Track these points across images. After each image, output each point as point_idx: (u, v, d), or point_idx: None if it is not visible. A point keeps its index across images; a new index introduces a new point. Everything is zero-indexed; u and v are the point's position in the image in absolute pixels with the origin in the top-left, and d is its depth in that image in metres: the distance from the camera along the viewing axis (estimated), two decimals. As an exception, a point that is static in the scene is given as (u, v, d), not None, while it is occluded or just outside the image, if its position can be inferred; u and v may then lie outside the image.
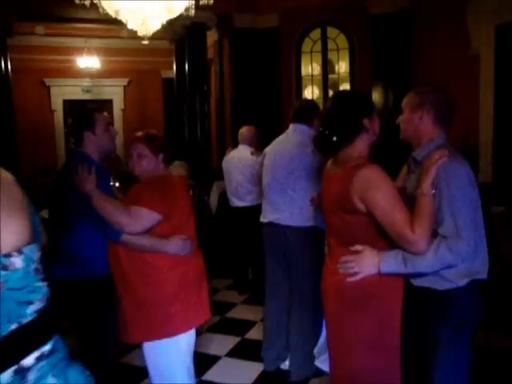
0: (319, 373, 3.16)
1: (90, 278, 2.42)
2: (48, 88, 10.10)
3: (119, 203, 2.33)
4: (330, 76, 7.48)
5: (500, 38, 5.25)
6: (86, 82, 10.17)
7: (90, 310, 2.46)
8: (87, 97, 10.34)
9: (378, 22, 6.67)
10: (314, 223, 3.03)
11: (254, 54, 7.35)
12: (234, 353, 3.77)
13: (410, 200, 1.94)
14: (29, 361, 1.11)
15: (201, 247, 2.61)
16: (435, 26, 6.05)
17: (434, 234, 1.88)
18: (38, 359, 1.12)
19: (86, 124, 2.58)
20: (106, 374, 2.56)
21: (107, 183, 2.59)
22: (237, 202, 4.99)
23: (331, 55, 7.41)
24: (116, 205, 2.30)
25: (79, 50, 9.60)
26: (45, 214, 4.79)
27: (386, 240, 1.93)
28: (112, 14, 3.64)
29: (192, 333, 2.47)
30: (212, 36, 7.71)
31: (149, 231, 2.33)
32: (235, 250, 5.21)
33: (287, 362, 3.34)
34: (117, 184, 6.34)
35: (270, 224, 3.23)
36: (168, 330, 2.33)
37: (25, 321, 1.11)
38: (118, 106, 10.69)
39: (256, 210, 4.50)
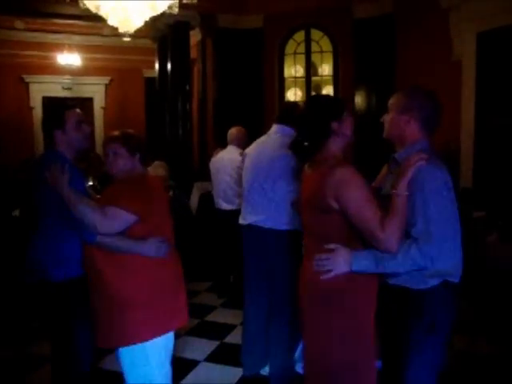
0: (300, 378, 3.12)
1: (63, 278, 2.37)
2: (27, 84, 9.90)
3: (93, 203, 2.27)
4: (313, 78, 7.47)
5: (481, 46, 5.30)
6: (67, 80, 10.01)
7: (63, 311, 2.42)
8: (67, 94, 10.17)
9: (362, 25, 6.71)
10: (295, 226, 3.00)
11: (237, 55, 7.32)
12: (213, 357, 3.70)
13: (385, 199, 1.97)
14: None
15: (180, 249, 2.55)
16: (419, 31, 6.09)
17: (407, 235, 1.91)
18: None
19: (56, 123, 2.51)
20: (80, 380, 2.52)
21: (81, 182, 2.54)
22: (224, 205, 4.87)
23: (315, 57, 7.41)
24: (90, 205, 2.23)
25: (60, 47, 9.43)
26: (17, 212, 4.72)
27: (360, 239, 1.98)
28: (93, 9, 3.55)
29: (170, 336, 2.41)
30: (195, 36, 7.65)
31: (124, 232, 2.27)
32: (217, 252, 5.14)
33: (267, 368, 3.29)
34: (96, 183, 6.26)
35: (250, 226, 3.17)
36: (144, 334, 2.27)
37: None
38: (98, 104, 10.55)
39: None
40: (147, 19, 3.69)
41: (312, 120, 2.10)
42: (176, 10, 3.67)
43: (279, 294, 3.09)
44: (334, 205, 1.95)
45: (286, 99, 7.50)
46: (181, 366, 3.44)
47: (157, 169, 4.58)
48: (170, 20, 6.75)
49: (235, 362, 3.45)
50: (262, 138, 3.28)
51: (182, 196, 5.47)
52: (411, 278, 1.96)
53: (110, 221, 2.21)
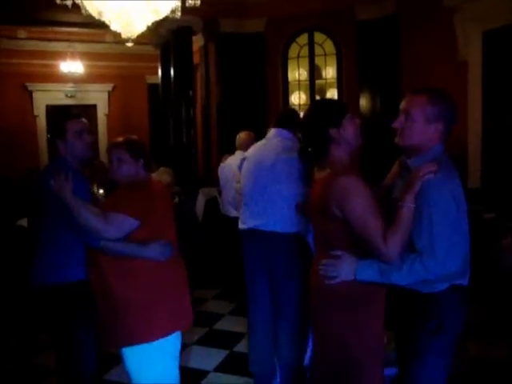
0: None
1: (67, 282, 2.43)
2: (30, 93, 9.92)
3: (96, 209, 2.30)
4: (317, 81, 7.43)
5: (487, 45, 5.25)
6: (70, 87, 10.03)
7: (66, 314, 2.47)
8: (71, 102, 10.19)
9: (366, 27, 6.66)
10: (298, 229, 2.96)
11: (240, 59, 7.29)
12: (222, 367, 3.64)
13: (394, 204, 1.95)
14: None
15: (186, 255, 2.55)
16: (423, 32, 6.04)
17: (412, 247, 1.90)
18: None
19: (57, 132, 2.59)
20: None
21: (85, 189, 2.57)
22: (234, 212, 4.79)
23: (318, 61, 7.37)
24: (92, 211, 2.26)
25: (62, 55, 9.46)
26: (25, 222, 4.68)
27: (364, 247, 1.96)
28: (95, 15, 3.52)
29: (176, 338, 2.42)
30: (198, 41, 7.63)
31: (127, 237, 2.29)
32: (225, 259, 5.08)
33: (278, 379, 3.22)
34: (101, 191, 6.23)
35: (252, 230, 3.10)
36: (148, 335, 2.29)
37: None
38: (102, 111, 10.57)
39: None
40: (150, 24, 3.66)
41: (310, 128, 2.11)
42: (179, 14, 3.64)
43: (284, 297, 3.03)
44: (338, 213, 1.94)
45: (290, 103, 7.47)
46: (190, 377, 3.37)
47: (162, 175, 4.54)
48: (173, 25, 6.73)
49: (245, 372, 3.38)
50: (262, 142, 3.25)
51: (188, 202, 5.43)
52: (418, 282, 1.94)
53: (111, 226, 2.24)
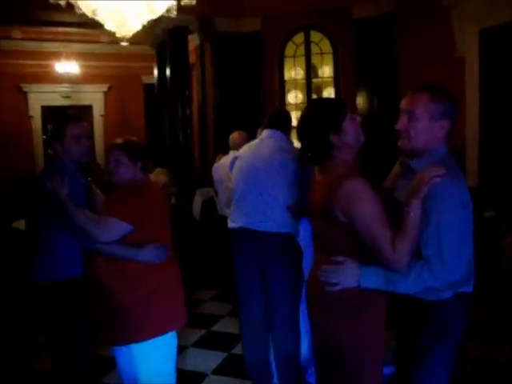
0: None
1: (64, 279, 2.49)
2: (25, 94, 9.86)
3: (90, 213, 2.36)
4: (314, 80, 7.39)
5: (484, 43, 5.23)
6: (65, 88, 9.97)
7: (63, 311, 2.53)
8: (66, 102, 10.14)
9: (362, 26, 6.64)
10: (290, 229, 2.94)
11: (236, 59, 7.25)
12: (220, 370, 3.61)
13: (396, 205, 1.90)
14: None
15: (182, 256, 2.60)
16: (420, 30, 6.01)
17: (419, 254, 1.83)
18: None
19: (55, 134, 2.63)
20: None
21: (82, 192, 2.62)
22: (228, 212, 4.78)
23: (315, 59, 7.33)
24: (87, 215, 2.33)
25: (57, 55, 9.41)
26: (21, 224, 4.64)
27: (368, 253, 1.88)
28: (89, 14, 3.48)
29: (171, 338, 2.45)
30: (193, 41, 7.59)
31: (123, 239, 2.34)
32: (222, 259, 5.04)
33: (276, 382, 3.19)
34: (97, 191, 6.17)
35: (242, 229, 3.07)
36: (142, 334, 2.33)
37: None
38: (98, 111, 10.52)
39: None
40: (145, 22, 3.62)
41: (308, 134, 2.01)
42: (174, 13, 3.60)
43: (276, 296, 3.01)
44: (342, 218, 1.86)
45: (286, 102, 7.43)
46: (187, 380, 3.35)
47: (159, 176, 4.51)
48: (168, 25, 6.69)
49: (244, 375, 3.35)
50: (255, 142, 3.24)
51: (185, 203, 5.39)
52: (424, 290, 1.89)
53: (105, 230, 2.29)
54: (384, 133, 5.49)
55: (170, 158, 6.97)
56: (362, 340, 1.94)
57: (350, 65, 6.89)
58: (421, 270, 1.80)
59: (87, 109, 10.36)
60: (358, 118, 2.03)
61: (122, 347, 2.42)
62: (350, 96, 6.78)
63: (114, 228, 2.30)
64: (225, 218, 4.78)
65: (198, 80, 7.83)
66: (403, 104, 1.95)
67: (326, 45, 7.18)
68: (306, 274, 2.24)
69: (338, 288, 1.90)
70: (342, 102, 2.10)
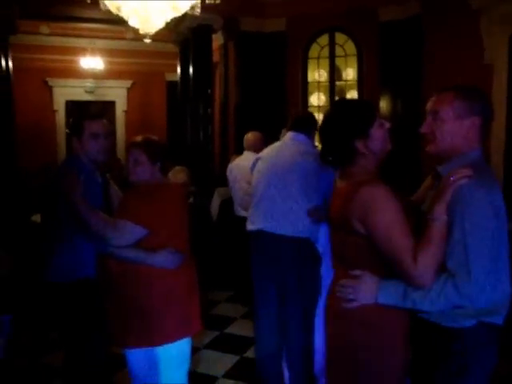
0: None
1: (77, 280, 2.44)
2: (50, 88, 10.00)
3: (105, 215, 2.29)
4: (337, 83, 7.32)
5: (514, 49, 5.10)
6: (89, 83, 10.07)
7: (76, 312, 2.48)
8: (90, 98, 10.25)
9: (388, 28, 6.54)
10: (309, 234, 2.88)
11: (259, 59, 7.22)
12: (232, 373, 3.57)
13: (422, 220, 1.73)
14: None
15: (199, 257, 2.53)
16: (447, 34, 5.89)
17: (443, 266, 1.63)
18: None
19: (74, 129, 2.56)
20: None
21: (99, 192, 2.55)
22: (243, 212, 4.79)
23: (339, 62, 7.26)
24: (100, 217, 2.25)
25: (83, 51, 9.50)
26: (37, 218, 4.67)
27: (389, 268, 1.72)
28: (113, 10, 3.49)
29: (185, 345, 2.39)
30: (217, 39, 7.58)
31: (137, 243, 2.28)
32: (237, 260, 5.02)
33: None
34: (116, 187, 6.20)
35: (261, 232, 3.02)
36: (153, 340, 2.29)
37: None
38: (120, 107, 10.59)
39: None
40: (168, 20, 3.61)
41: (331, 137, 1.86)
42: (198, 11, 3.58)
43: (291, 301, 2.97)
44: (360, 228, 1.72)
45: (309, 104, 7.38)
46: (198, 382, 3.32)
47: (178, 174, 4.49)
48: (193, 23, 6.69)
49: (255, 379, 3.31)
50: (278, 144, 3.20)
51: (203, 202, 5.37)
52: (440, 314, 1.69)
53: (120, 234, 2.22)
54: (408, 138, 5.44)
55: (190, 157, 6.97)
56: (383, 361, 1.78)
57: (375, 68, 6.80)
58: (444, 285, 1.59)
59: (110, 104, 10.44)
60: (387, 125, 1.87)
61: (134, 350, 2.38)
62: (373, 99, 6.68)
63: (129, 232, 2.23)
64: (240, 219, 4.80)
65: (220, 79, 7.82)
66: (428, 105, 1.81)
67: (350, 47, 7.10)
68: (325, 280, 2.18)
69: (354, 305, 1.75)
70: (371, 105, 1.92)
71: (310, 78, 7.38)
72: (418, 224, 1.72)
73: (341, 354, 1.89)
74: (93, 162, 2.55)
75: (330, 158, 1.89)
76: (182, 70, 7.67)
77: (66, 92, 10.11)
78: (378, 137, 1.82)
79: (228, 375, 3.55)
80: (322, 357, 3.01)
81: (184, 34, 7.28)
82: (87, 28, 8.57)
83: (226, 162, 7.73)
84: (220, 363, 3.70)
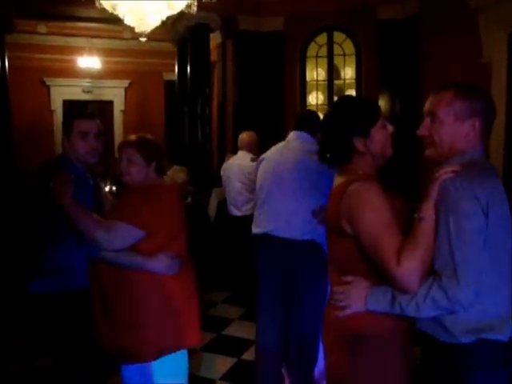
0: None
1: (70, 290, 2.24)
2: (48, 87, 9.96)
3: (97, 217, 2.13)
4: (336, 82, 7.29)
5: (513, 46, 5.08)
6: (87, 83, 10.03)
7: (64, 323, 2.28)
8: (88, 97, 10.20)
9: (387, 27, 6.52)
10: (315, 237, 2.82)
11: (257, 58, 7.18)
12: (229, 376, 3.52)
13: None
14: None
15: (196, 257, 2.41)
16: (446, 33, 5.86)
17: (431, 269, 1.51)
18: None
19: (64, 128, 2.42)
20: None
21: (88, 193, 2.39)
22: (235, 212, 4.81)
23: (337, 61, 7.23)
24: (93, 219, 2.10)
25: (80, 50, 9.46)
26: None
27: (380, 272, 1.62)
28: (109, 8, 3.45)
29: (181, 356, 2.28)
30: (215, 38, 7.55)
31: (132, 247, 2.12)
32: (233, 261, 5.00)
33: None
34: (114, 188, 6.18)
35: (266, 235, 2.97)
36: (149, 354, 2.14)
37: None
38: (118, 107, 10.55)
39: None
40: (164, 18, 3.58)
41: (331, 132, 1.79)
42: (194, 10, 3.55)
43: (297, 307, 2.92)
44: (348, 229, 1.64)
45: (307, 103, 7.35)
46: (194, 386, 3.28)
47: (177, 173, 4.47)
48: (190, 22, 6.65)
49: (253, 382, 3.27)
50: (282, 144, 3.13)
51: (201, 203, 5.35)
52: (436, 326, 1.55)
53: (114, 236, 2.08)
54: (406, 137, 5.39)
55: (187, 156, 6.94)
56: (371, 376, 1.67)
57: (373, 67, 6.77)
58: (430, 287, 1.47)
59: (108, 104, 10.40)
60: (391, 128, 1.79)
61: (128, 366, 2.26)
62: (371, 98, 6.65)
63: (124, 234, 2.08)
64: (234, 218, 4.79)
65: (218, 78, 7.79)
66: (426, 106, 1.69)
67: (349, 46, 7.08)
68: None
69: (346, 313, 1.65)
70: (376, 105, 1.85)
71: (308, 77, 7.35)
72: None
73: (333, 368, 1.82)
74: (82, 163, 2.40)
75: (328, 155, 1.81)
76: (179, 69, 7.64)
77: (63, 91, 10.06)
78: (379, 138, 1.75)
79: (225, 378, 3.50)
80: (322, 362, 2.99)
81: (182, 33, 7.25)
82: (85, 27, 8.53)
83: (223, 161, 7.72)
84: (217, 366, 3.65)
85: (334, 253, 1.79)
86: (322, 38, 7.19)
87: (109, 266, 2.14)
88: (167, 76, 9.90)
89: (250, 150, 4.73)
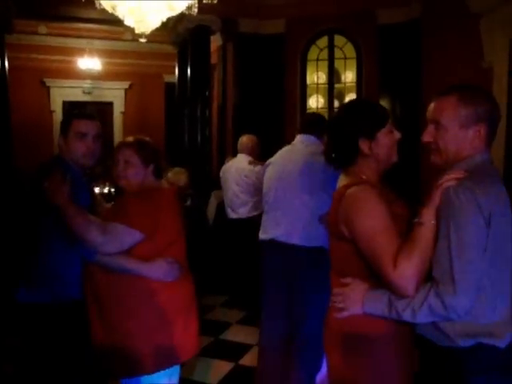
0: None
1: (62, 302, 2.13)
2: (48, 88, 9.94)
3: (94, 218, 2.05)
4: (336, 85, 7.28)
5: (514, 52, 5.06)
6: (87, 84, 10.01)
7: (58, 335, 2.15)
8: (87, 98, 10.19)
9: (387, 31, 6.50)
10: (322, 243, 2.78)
11: (258, 60, 7.16)
12: (227, 381, 3.47)
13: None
14: None
15: (195, 260, 2.36)
16: (446, 37, 5.85)
17: (430, 275, 1.52)
18: None
19: (61, 128, 2.33)
20: None
21: (86, 196, 2.31)
22: (231, 214, 4.80)
23: (338, 64, 7.21)
24: (89, 220, 2.01)
25: (81, 51, 9.45)
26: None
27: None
28: (109, 9, 3.44)
29: (176, 368, 2.20)
30: (216, 41, 7.54)
31: (129, 251, 2.05)
32: (230, 264, 4.97)
33: None
34: (112, 190, 6.14)
35: (272, 241, 2.93)
36: (147, 367, 2.05)
37: None
38: (118, 108, 10.52)
39: (249, 223, 4.26)
40: (164, 19, 3.57)
41: (337, 132, 1.79)
42: (195, 11, 3.53)
43: (300, 315, 2.87)
44: (346, 232, 1.65)
45: (307, 106, 7.32)
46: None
47: (178, 175, 4.45)
48: (191, 24, 6.64)
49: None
50: (287, 148, 3.10)
51: (200, 205, 5.32)
52: (433, 330, 1.55)
53: (110, 238, 1.99)
54: (407, 141, 5.36)
55: (187, 159, 6.92)
56: (372, 379, 1.67)
57: (374, 71, 6.76)
58: (427, 293, 1.47)
59: (108, 106, 10.38)
60: (398, 135, 1.79)
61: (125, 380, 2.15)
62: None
63: (121, 236, 2.00)
64: (231, 221, 4.78)
65: (218, 81, 7.77)
66: (429, 111, 1.67)
67: (349, 50, 7.06)
68: None
69: (344, 314, 1.66)
70: (385, 110, 1.86)
71: (308, 81, 7.33)
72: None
73: (337, 364, 1.79)
74: (79, 166, 2.31)
75: (333, 156, 1.82)
76: (179, 71, 7.62)
77: (63, 92, 10.04)
78: (385, 143, 1.75)
79: (222, 383, 3.46)
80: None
81: (182, 35, 7.23)
82: (85, 28, 8.52)
83: (223, 164, 7.70)
84: (214, 370, 3.60)
85: (334, 255, 1.80)
86: (323, 42, 7.17)
87: (103, 270, 2.05)
88: (167, 78, 9.88)
89: (249, 154, 4.72)
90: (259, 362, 3.08)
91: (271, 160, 3.17)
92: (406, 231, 1.61)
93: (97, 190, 5.54)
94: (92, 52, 9.43)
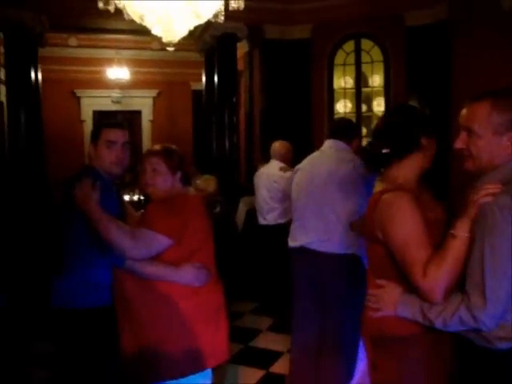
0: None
1: (93, 308, 2.16)
2: (78, 99, 10.16)
3: (123, 225, 2.08)
4: (363, 89, 7.22)
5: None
6: (116, 93, 10.18)
7: (88, 342, 2.18)
8: (116, 107, 10.36)
9: (415, 33, 6.41)
10: (353, 250, 2.73)
11: (285, 66, 7.16)
12: (257, 389, 3.48)
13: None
14: None
15: (224, 267, 2.36)
16: (477, 37, 5.72)
17: (462, 287, 1.53)
18: None
19: (92, 136, 2.38)
20: None
21: (114, 204, 2.32)
22: (261, 220, 4.79)
23: (365, 68, 7.16)
24: (119, 226, 2.03)
25: (109, 61, 9.63)
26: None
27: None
28: (136, 19, 3.50)
29: (207, 373, 2.20)
30: (242, 47, 7.57)
31: (158, 257, 2.07)
32: (260, 270, 4.96)
33: None
34: (142, 197, 6.22)
35: (302, 249, 2.90)
36: (176, 371, 2.06)
37: None
38: (146, 117, 10.66)
39: (277, 229, 4.23)
40: (192, 28, 3.60)
41: (402, 126, 1.80)
42: (222, 19, 3.55)
43: (332, 323, 2.84)
44: (381, 237, 1.71)
45: (334, 111, 7.28)
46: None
47: (207, 182, 4.47)
48: (217, 32, 6.69)
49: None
50: (316, 154, 3.07)
51: (229, 212, 5.34)
52: (470, 331, 1.56)
53: (138, 244, 2.01)
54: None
55: (215, 166, 6.95)
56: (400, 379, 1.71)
57: (402, 74, 6.68)
58: (458, 305, 1.51)
59: (136, 114, 10.53)
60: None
61: None
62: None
63: (151, 242, 2.02)
64: (262, 228, 4.77)
65: (245, 87, 7.80)
66: (461, 119, 1.65)
67: (376, 53, 7.00)
68: None
69: (378, 314, 1.72)
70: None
71: (335, 85, 7.29)
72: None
73: (373, 363, 1.84)
74: (107, 174, 2.33)
75: (385, 150, 1.79)
76: (207, 78, 7.68)
77: (93, 102, 10.25)
78: (433, 147, 1.85)
79: (253, 390, 3.47)
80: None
81: (209, 43, 7.29)
82: (114, 39, 8.67)
83: (251, 170, 7.70)
84: (244, 378, 3.59)
85: (370, 257, 1.88)
86: (350, 46, 7.14)
87: (132, 277, 2.07)
88: (195, 86, 9.97)
89: (281, 160, 4.71)
90: (291, 371, 3.05)
91: (299, 166, 3.14)
92: (442, 237, 1.62)
93: (126, 197, 5.63)
94: (120, 62, 9.60)
